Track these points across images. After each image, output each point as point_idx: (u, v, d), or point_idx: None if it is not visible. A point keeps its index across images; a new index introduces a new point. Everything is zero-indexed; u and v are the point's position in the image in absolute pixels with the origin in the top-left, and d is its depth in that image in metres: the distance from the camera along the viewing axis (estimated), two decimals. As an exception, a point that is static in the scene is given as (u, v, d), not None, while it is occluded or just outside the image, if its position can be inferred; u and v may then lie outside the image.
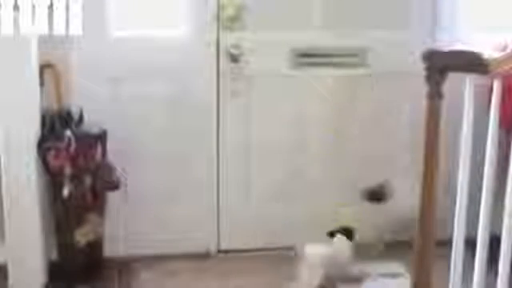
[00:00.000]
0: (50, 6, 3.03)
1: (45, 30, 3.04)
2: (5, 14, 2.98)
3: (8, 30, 2.98)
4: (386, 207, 3.57)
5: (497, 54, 2.20)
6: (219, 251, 3.73)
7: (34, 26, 3.01)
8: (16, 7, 2.96)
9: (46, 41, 3.17)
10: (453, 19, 3.63)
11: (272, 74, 3.58)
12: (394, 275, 3.38)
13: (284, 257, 3.56)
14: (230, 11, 3.50)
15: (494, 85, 2.17)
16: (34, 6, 2.98)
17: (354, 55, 3.65)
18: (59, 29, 3.08)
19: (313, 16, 3.59)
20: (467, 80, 2.27)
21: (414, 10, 3.66)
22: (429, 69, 2.33)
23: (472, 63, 2.19)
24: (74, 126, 3.28)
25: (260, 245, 3.70)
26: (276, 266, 3.49)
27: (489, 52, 2.20)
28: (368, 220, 3.64)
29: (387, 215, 3.55)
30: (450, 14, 3.63)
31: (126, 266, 3.51)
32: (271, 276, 3.44)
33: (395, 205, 3.56)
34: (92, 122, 3.31)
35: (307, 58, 3.61)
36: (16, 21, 2.98)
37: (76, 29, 3.10)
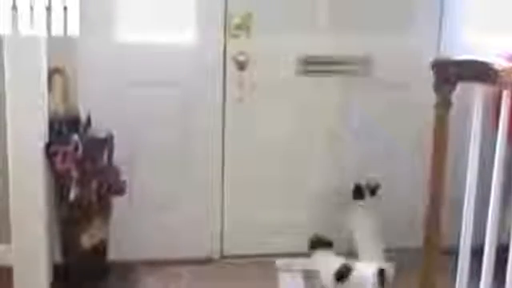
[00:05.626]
0: (48, 8, 3.02)
1: (43, 32, 3.03)
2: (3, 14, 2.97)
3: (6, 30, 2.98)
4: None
5: (507, 64, 2.21)
6: (222, 256, 3.74)
7: (32, 28, 3.00)
8: (14, 8, 2.96)
9: (54, 45, 3.20)
10: (459, 26, 3.66)
11: (278, 80, 3.60)
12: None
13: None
14: (236, 19, 3.52)
15: (503, 95, 2.18)
16: (31, 8, 2.98)
17: (360, 62, 3.67)
18: (57, 30, 3.07)
19: (319, 24, 3.62)
20: (476, 90, 2.28)
21: (420, 17, 3.68)
22: (438, 78, 2.35)
23: (482, 73, 2.21)
24: (81, 130, 3.30)
25: (264, 250, 3.71)
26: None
27: (498, 62, 2.21)
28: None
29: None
30: (456, 20, 3.65)
31: (130, 269, 3.52)
32: (275, 282, 3.46)
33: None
34: (99, 126, 3.33)
35: (313, 65, 3.63)
36: (15, 21, 2.97)
37: (73, 30, 3.09)
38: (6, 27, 2.96)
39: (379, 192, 3.58)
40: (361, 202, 3.57)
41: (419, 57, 3.35)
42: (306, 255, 3.55)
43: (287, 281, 3.50)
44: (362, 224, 3.49)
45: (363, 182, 3.58)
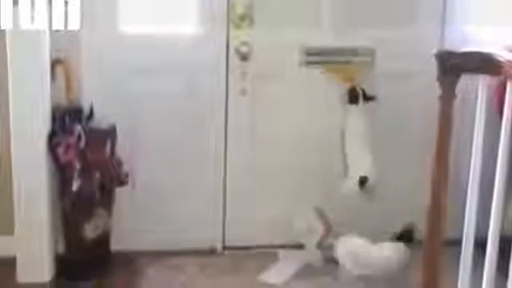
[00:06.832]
0: (49, 2, 3.03)
1: (44, 26, 3.04)
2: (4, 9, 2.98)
3: (8, 25, 3.00)
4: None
5: (510, 56, 2.19)
6: (225, 248, 3.74)
7: (34, 22, 3.01)
8: (16, 2, 2.96)
9: (57, 37, 3.20)
10: (462, 17, 3.65)
11: (281, 72, 3.59)
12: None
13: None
14: (239, 9, 3.51)
15: (507, 86, 2.17)
16: (32, 2, 2.98)
17: (363, 54, 3.65)
18: (58, 24, 3.08)
19: (322, 15, 3.61)
20: (480, 81, 2.27)
21: (423, 9, 3.67)
22: (442, 70, 2.34)
23: (485, 65, 2.19)
24: (84, 122, 3.30)
25: (266, 242, 3.71)
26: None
27: (502, 53, 2.20)
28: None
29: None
30: (459, 11, 3.64)
31: (132, 261, 3.53)
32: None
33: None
34: (102, 118, 3.33)
35: (316, 56, 3.62)
36: (15, 16, 2.98)
37: (74, 24, 3.10)
38: (8, 22, 2.97)
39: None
40: (354, 106, 3.59)
41: (422, 49, 3.34)
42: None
43: (277, 266, 3.52)
44: (353, 124, 3.57)
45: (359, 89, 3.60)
